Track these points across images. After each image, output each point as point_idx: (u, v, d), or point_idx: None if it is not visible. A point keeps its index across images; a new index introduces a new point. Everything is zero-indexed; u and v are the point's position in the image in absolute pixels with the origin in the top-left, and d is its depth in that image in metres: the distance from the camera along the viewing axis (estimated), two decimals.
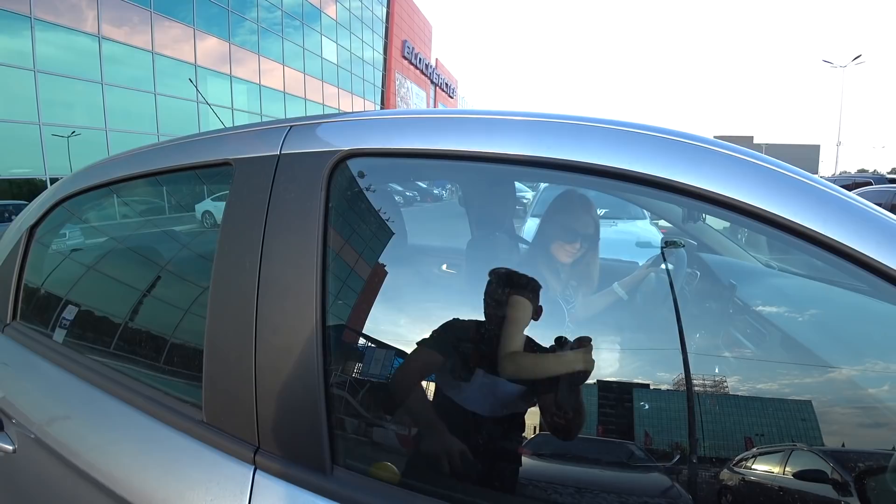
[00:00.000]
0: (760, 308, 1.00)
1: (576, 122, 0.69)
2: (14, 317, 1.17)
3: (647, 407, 0.70)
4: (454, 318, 0.75)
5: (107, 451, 0.82)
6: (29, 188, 12.04)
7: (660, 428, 0.70)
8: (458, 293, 0.86)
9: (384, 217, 0.86)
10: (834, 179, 13.98)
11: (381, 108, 32.20)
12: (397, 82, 34.03)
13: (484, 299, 0.74)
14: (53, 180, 12.06)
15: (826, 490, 0.63)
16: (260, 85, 19.99)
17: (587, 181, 0.71)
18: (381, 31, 32.55)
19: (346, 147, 0.74)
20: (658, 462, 0.68)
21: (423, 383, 0.74)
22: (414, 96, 37.65)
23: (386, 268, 0.83)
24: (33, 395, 1.00)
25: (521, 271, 0.85)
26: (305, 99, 23.22)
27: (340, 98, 26.71)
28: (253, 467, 0.69)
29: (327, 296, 0.70)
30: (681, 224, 1.32)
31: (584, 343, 0.69)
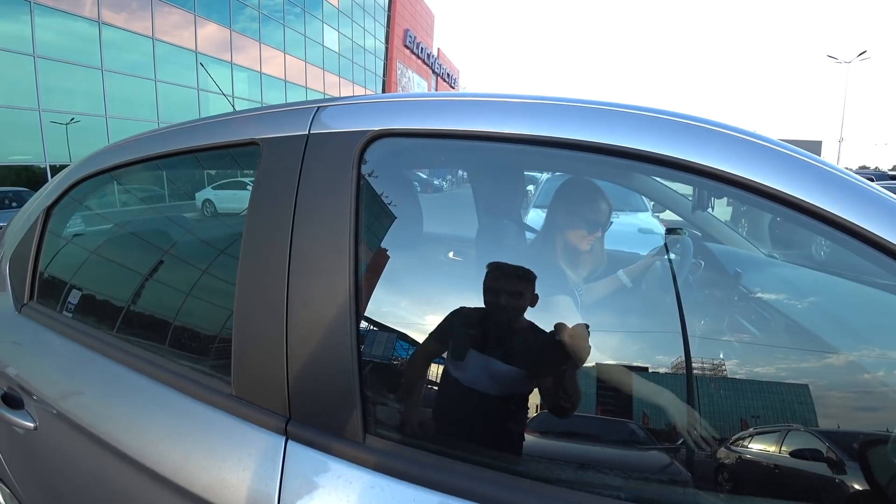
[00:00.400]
0: (764, 295, 1.02)
1: (603, 107, 0.71)
2: (31, 297, 1.18)
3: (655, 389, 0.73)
4: (477, 307, 0.76)
5: (134, 426, 0.84)
6: (28, 175, 11.99)
7: (662, 409, 0.73)
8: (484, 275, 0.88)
9: (413, 196, 0.88)
10: None
11: None
12: (399, 71, 33.77)
13: (514, 293, 0.76)
14: (53, 167, 12.01)
15: (821, 468, 0.65)
16: (261, 73, 19.83)
17: (617, 163, 0.72)
18: (383, 19, 32.24)
19: (375, 127, 0.76)
20: (658, 441, 0.71)
21: (446, 359, 0.77)
22: (415, 86, 37.38)
23: (415, 245, 0.84)
24: (55, 373, 1.02)
25: (550, 264, 0.87)
26: (306, 87, 23.05)
27: (342, 87, 26.52)
28: (284, 437, 0.71)
29: (360, 271, 0.72)
30: (688, 215, 1.34)
31: (580, 330, 0.72)
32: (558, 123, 0.70)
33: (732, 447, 0.68)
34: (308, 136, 0.80)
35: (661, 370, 0.75)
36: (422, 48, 37.94)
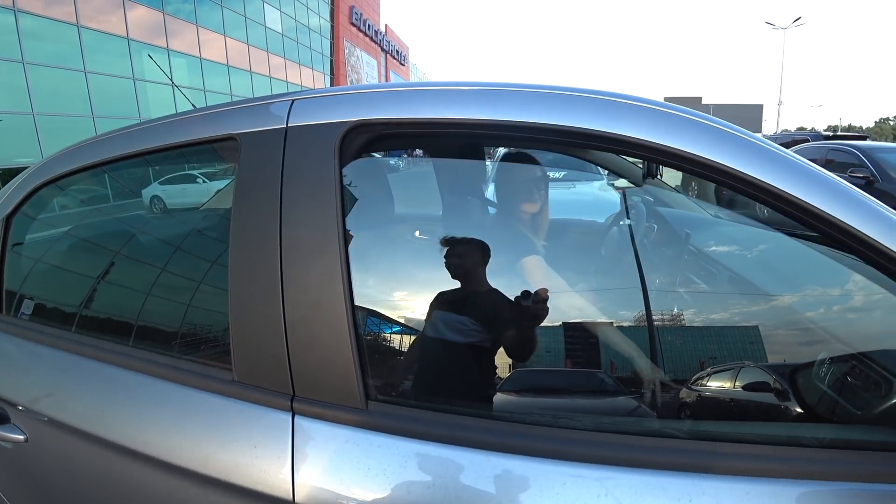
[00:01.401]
0: (713, 250, 1.13)
1: (569, 93, 0.76)
2: (0, 310, 1.14)
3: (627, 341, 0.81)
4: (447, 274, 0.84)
5: (137, 422, 0.85)
6: None
7: (628, 358, 0.81)
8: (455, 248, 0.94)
9: (392, 181, 0.90)
10: (775, 137, 15.01)
11: (332, 78, 31.06)
12: (346, 51, 32.76)
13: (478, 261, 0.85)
14: None
15: (769, 398, 0.75)
16: (201, 58, 18.78)
17: (579, 144, 0.80)
18: None
19: (353, 118, 0.79)
20: (626, 386, 0.80)
21: (435, 326, 0.85)
22: (364, 65, 36.45)
23: (394, 225, 0.87)
24: (45, 383, 1.00)
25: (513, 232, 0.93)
26: (251, 72, 22.05)
27: (288, 69, 25.51)
28: (291, 413, 0.76)
29: (349, 253, 0.76)
30: (641, 182, 1.43)
31: (542, 295, 0.81)
32: (529, 109, 0.75)
33: (693, 386, 0.77)
34: (287, 129, 0.82)
35: (625, 323, 0.83)
36: (369, 25, 36.88)
